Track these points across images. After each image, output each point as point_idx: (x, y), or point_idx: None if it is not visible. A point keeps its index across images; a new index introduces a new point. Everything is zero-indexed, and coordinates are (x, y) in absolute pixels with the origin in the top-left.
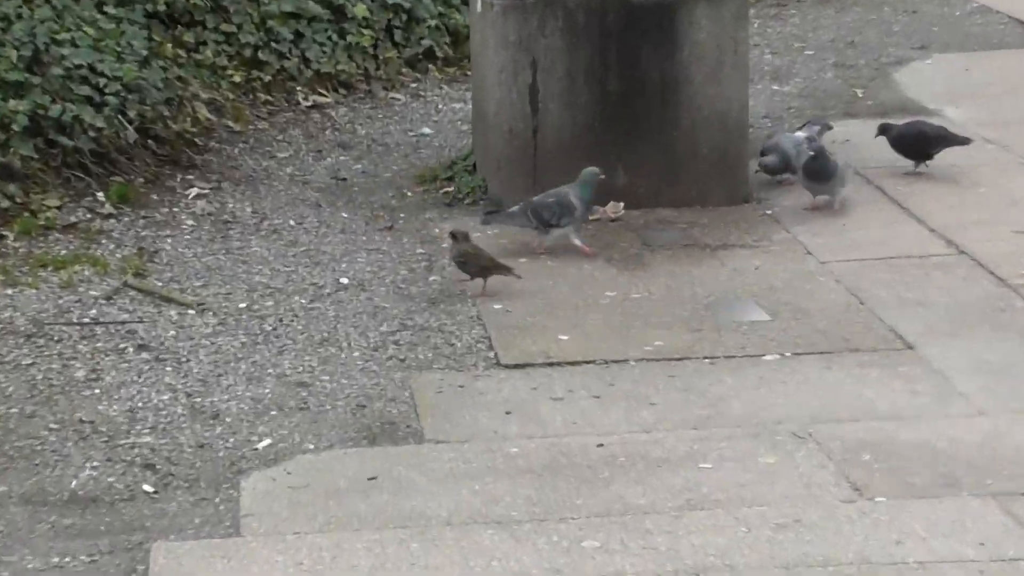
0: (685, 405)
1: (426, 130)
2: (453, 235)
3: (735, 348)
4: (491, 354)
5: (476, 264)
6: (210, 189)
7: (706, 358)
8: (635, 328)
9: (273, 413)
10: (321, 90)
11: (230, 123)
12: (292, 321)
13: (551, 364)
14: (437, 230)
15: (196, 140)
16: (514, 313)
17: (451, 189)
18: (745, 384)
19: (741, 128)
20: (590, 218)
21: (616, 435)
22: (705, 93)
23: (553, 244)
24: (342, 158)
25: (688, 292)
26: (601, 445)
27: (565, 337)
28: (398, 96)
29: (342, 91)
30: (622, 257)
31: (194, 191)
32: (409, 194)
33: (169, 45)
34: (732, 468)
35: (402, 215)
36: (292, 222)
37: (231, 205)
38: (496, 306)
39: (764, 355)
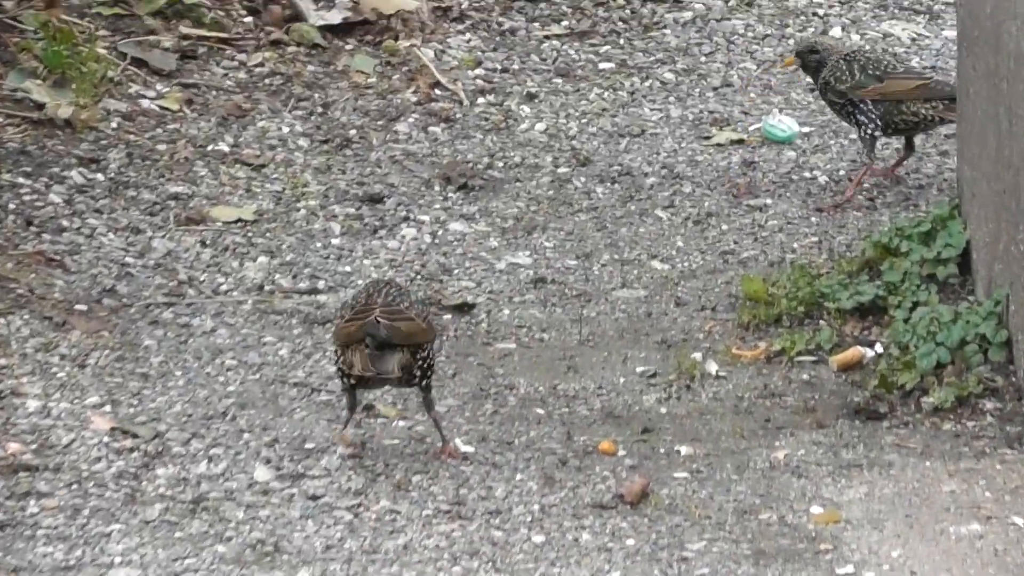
0: None
1: (783, 127)
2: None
3: None
4: None
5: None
6: None
7: None
8: None
9: None
10: None
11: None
12: None
13: None
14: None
15: None
16: None
17: (890, 353)
18: None
19: None
20: None
21: None
22: None
23: None
24: (455, 227)
25: None
26: None
27: None
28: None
29: None
30: None
31: None
32: (715, 370)
33: None
34: None
35: (687, 459)
36: (260, 477)
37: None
38: None
39: None
